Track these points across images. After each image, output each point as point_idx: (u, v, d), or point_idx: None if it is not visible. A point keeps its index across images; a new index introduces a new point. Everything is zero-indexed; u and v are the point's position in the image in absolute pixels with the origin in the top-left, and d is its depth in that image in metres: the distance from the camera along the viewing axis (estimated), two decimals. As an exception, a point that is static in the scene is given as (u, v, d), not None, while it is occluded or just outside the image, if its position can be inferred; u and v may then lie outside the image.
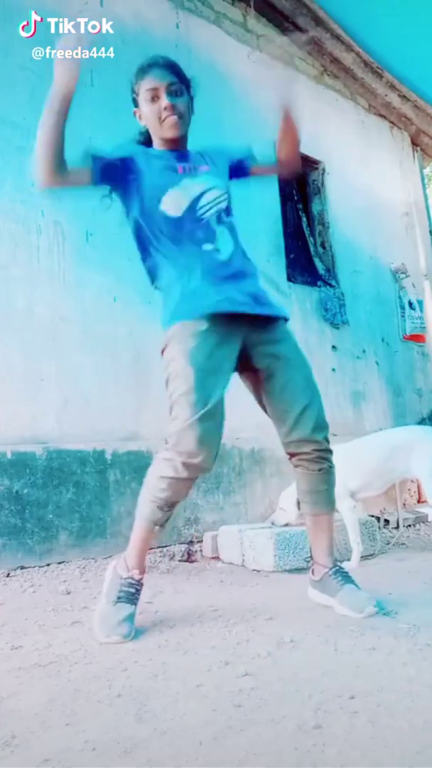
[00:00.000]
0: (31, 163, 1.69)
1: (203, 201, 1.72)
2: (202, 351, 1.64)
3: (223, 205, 1.77)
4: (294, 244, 4.43)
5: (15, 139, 2.87)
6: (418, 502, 4.14)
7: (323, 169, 4.63)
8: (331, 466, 1.82)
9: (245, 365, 1.78)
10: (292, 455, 1.81)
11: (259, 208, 3.96)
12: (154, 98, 1.73)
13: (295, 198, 4.60)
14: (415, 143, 5.75)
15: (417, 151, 5.76)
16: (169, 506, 1.68)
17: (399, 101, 5.27)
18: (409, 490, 4.19)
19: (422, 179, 5.76)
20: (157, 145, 1.83)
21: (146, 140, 1.87)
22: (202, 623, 1.69)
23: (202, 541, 2.93)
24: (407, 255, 5.22)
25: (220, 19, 4.06)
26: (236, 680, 1.24)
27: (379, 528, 3.08)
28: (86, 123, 3.15)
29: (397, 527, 3.36)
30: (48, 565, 2.52)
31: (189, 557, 2.85)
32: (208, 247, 1.72)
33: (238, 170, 1.89)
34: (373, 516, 3.08)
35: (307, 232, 4.54)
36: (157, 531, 1.72)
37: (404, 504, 3.93)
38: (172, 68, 1.78)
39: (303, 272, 4.38)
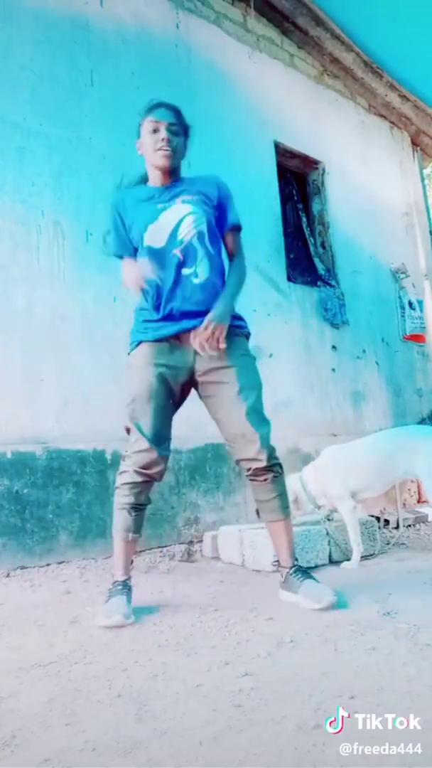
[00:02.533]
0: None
1: (182, 228, 1.89)
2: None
3: (202, 228, 1.91)
4: (294, 244, 4.44)
5: (15, 139, 2.87)
6: (418, 502, 4.14)
7: (323, 169, 4.63)
8: (277, 475, 1.93)
9: (193, 384, 1.96)
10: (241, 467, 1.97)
11: (259, 208, 3.97)
12: (155, 131, 1.93)
13: (295, 198, 4.60)
14: (415, 143, 5.75)
15: (417, 151, 5.76)
16: (134, 509, 1.89)
17: (399, 101, 5.27)
18: (409, 490, 4.18)
19: (422, 179, 5.75)
20: (151, 175, 2.01)
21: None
22: (202, 623, 1.70)
23: (202, 541, 2.93)
24: (407, 255, 5.21)
25: (220, 19, 4.06)
26: (236, 680, 1.24)
27: (379, 528, 3.07)
28: (86, 123, 3.16)
29: (397, 527, 3.36)
30: (48, 565, 2.52)
31: (189, 557, 2.85)
32: (186, 271, 1.88)
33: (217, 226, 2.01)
34: (373, 516, 3.08)
35: (307, 232, 4.54)
36: (132, 538, 1.91)
37: (404, 504, 3.93)
38: (176, 112, 1.97)
39: (303, 272, 4.38)
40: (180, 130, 1.96)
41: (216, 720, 1.06)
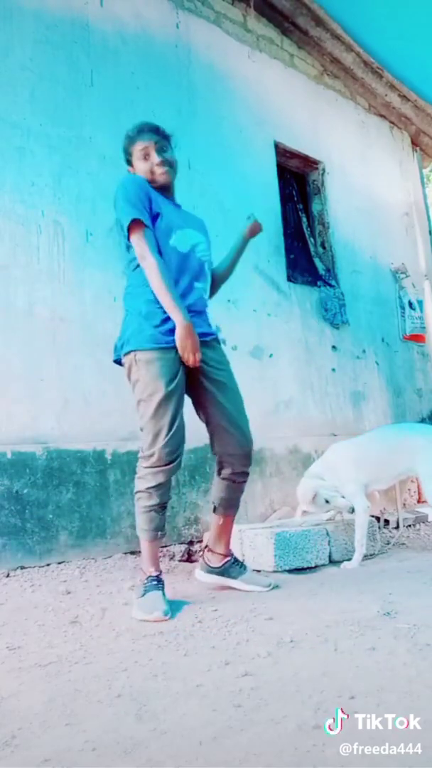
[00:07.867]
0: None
1: (200, 248, 2.11)
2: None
3: (210, 260, 2.17)
4: (294, 244, 4.43)
5: (15, 139, 2.87)
6: (418, 502, 4.14)
7: (323, 169, 4.62)
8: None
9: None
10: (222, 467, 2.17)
11: (260, 208, 3.96)
12: (146, 156, 2.07)
13: (295, 198, 4.60)
14: (415, 143, 5.75)
15: (417, 151, 5.75)
16: (162, 509, 1.99)
17: (399, 101, 5.27)
18: (409, 490, 4.19)
19: (422, 179, 5.75)
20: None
21: None
22: (202, 623, 1.70)
23: (202, 541, 2.93)
24: (407, 255, 5.21)
25: (220, 19, 4.06)
26: (236, 680, 1.24)
27: (379, 528, 3.08)
28: (86, 123, 3.16)
29: (397, 527, 3.36)
30: (48, 565, 2.52)
31: (189, 557, 2.85)
32: (198, 285, 2.09)
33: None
34: (373, 516, 3.08)
35: (307, 232, 4.54)
36: (160, 536, 2.02)
37: (404, 504, 3.93)
38: (156, 130, 2.11)
39: (303, 272, 4.38)
40: (165, 145, 2.10)
41: (216, 720, 1.06)
